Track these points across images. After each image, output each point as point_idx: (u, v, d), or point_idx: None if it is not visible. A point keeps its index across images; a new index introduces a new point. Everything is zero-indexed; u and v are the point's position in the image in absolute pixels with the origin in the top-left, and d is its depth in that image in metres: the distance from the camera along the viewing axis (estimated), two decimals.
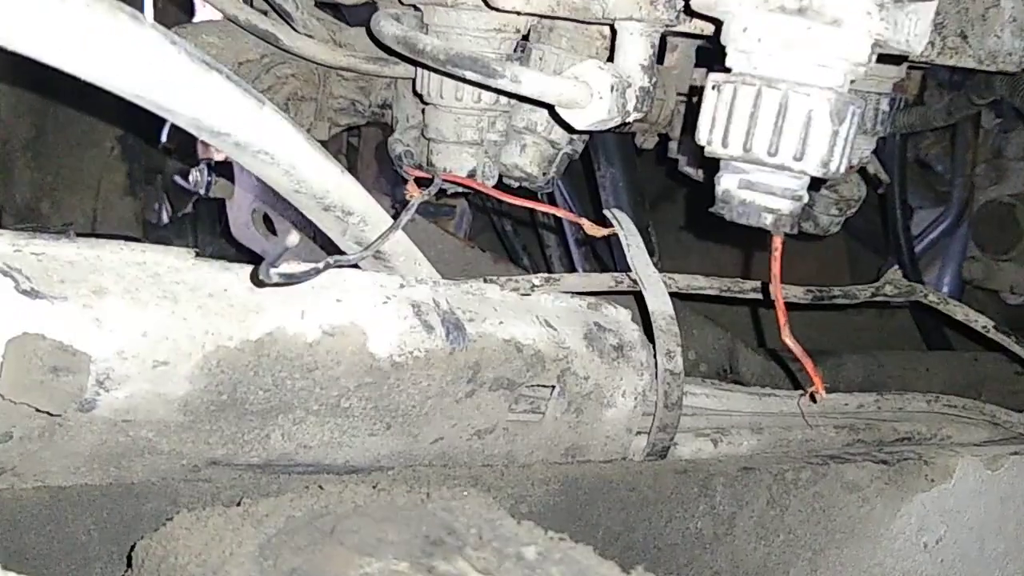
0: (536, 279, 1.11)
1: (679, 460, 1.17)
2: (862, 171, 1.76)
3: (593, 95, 1.00)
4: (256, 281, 0.83)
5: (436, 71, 1.11)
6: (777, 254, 0.90)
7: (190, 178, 1.79)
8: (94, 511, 0.87)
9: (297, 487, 0.91)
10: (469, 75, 1.00)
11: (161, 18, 2.12)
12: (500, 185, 1.33)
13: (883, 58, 0.95)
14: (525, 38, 1.30)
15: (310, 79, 1.32)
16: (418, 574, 0.63)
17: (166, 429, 0.88)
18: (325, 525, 0.69)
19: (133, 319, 0.83)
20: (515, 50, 1.28)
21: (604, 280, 1.17)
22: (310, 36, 1.25)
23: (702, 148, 0.88)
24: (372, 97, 1.40)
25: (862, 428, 1.30)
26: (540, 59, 1.26)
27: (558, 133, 1.31)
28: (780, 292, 0.91)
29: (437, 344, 0.98)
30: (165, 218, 2.33)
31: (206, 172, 1.78)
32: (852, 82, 0.86)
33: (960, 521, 1.36)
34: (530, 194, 1.29)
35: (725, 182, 0.88)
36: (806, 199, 0.88)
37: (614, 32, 1.08)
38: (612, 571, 0.67)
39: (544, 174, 1.31)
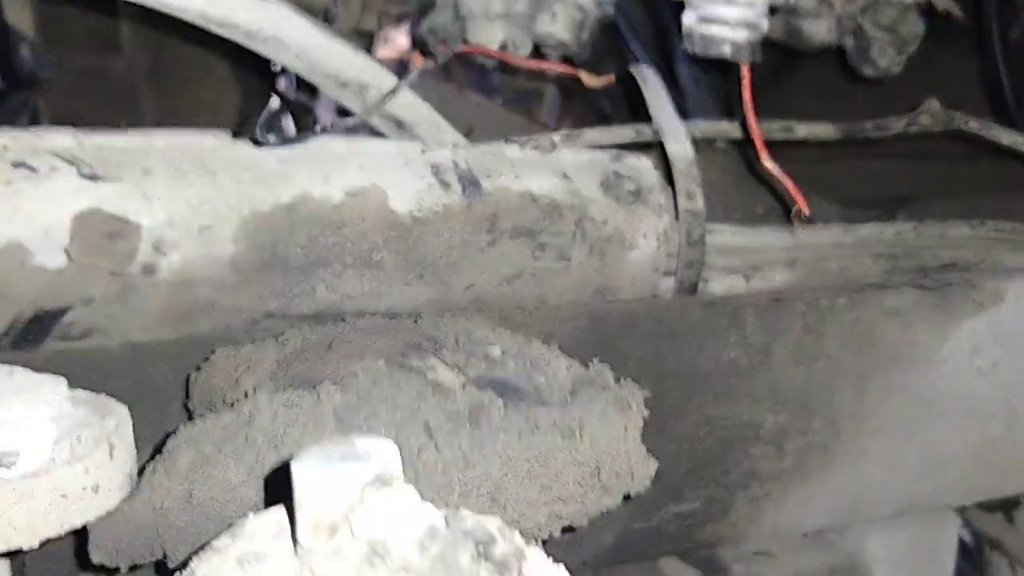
0: (557, 136, 1.20)
1: (709, 295, 1.25)
2: (929, 7, 1.73)
3: None
4: (255, 143, 0.95)
5: None
6: (746, 82, 0.95)
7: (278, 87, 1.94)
8: (169, 361, 1.03)
9: None
10: None
11: None
12: (534, 55, 1.41)
13: None
14: None
15: None
16: (392, 367, 0.75)
17: (222, 287, 1.02)
18: (326, 341, 0.82)
19: (178, 192, 0.97)
20: None
21: (626, 132, 1.24)
22: None
23: None
24: None
25: (901, 256, 1.33)
26: None
27: None
28: (754, 120, 0.97)
29: (454, 199, 1.09)
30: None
31: (293, 83, 1.91)
32: None
33: (1016, 344, 1.37)
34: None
35: (687, 19, 0.93)
36: (764, 27, 0.93)
37: None
38: (560, 357, 0.77)
39: (577, 39, 1.38)
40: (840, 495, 1.33)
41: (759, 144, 0.99)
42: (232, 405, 0.77)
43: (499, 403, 0.71)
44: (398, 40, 1.54)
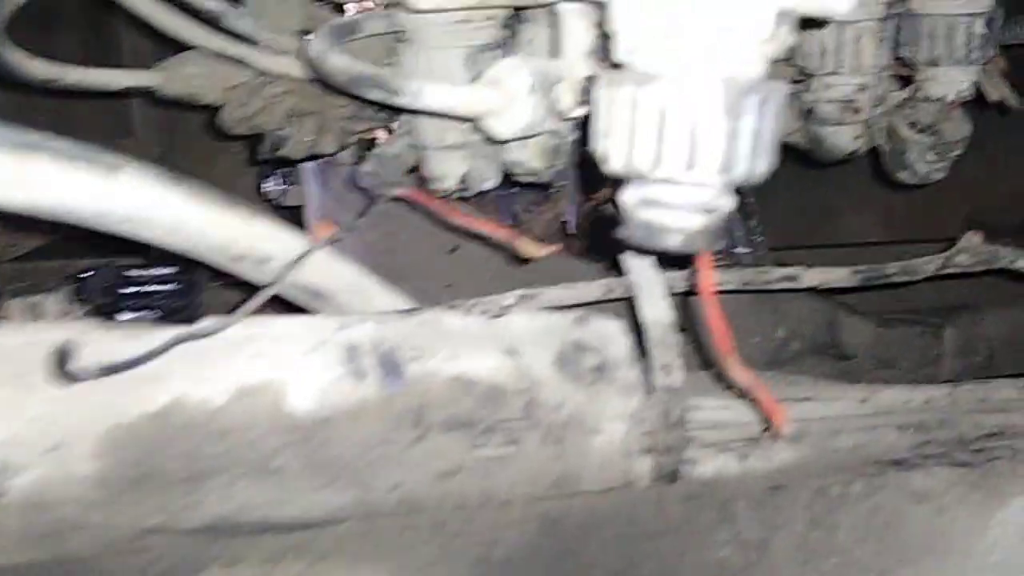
0: (510, 297, 1.02)
1: (694, 482, 1.05)
2: (980, 100, 1.52)
3: (512, 99, 0.88)
4: (68, 378, 0.79)
5: (347, 94, 1.03)
6: (707, 273, 0.76)
7: (264, 188, 1.80)
8: None
9: (238, 550, 0.90)
10: (373, 95, 0.91)
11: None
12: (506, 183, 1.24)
13: None
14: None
15: (308, 93, 1.27)
16: None
17: (89, 505, 0.87)
18: None
19: (21, 405, 0.82)
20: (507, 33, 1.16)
21: (593, 290, 1.05)
22: (284, 53, 1.20)
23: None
24: None
25: (934, 426, 1.11)
26: (529, 42, 1.14)
27: (561, 121, 1.19)
28: (719, 319, 0.77)
29: (369, 391, 0.91)
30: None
31: (281, 182, 1.77)
32: (771, 62, 0.70)
33: None
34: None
35: (625, 199, 0.74)
36: (727, 207, 0.73)
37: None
38: None
39: (551, 167, 1.20)
40: None
41: (726, 348, 0.79)
42: None
43: None
44: None
